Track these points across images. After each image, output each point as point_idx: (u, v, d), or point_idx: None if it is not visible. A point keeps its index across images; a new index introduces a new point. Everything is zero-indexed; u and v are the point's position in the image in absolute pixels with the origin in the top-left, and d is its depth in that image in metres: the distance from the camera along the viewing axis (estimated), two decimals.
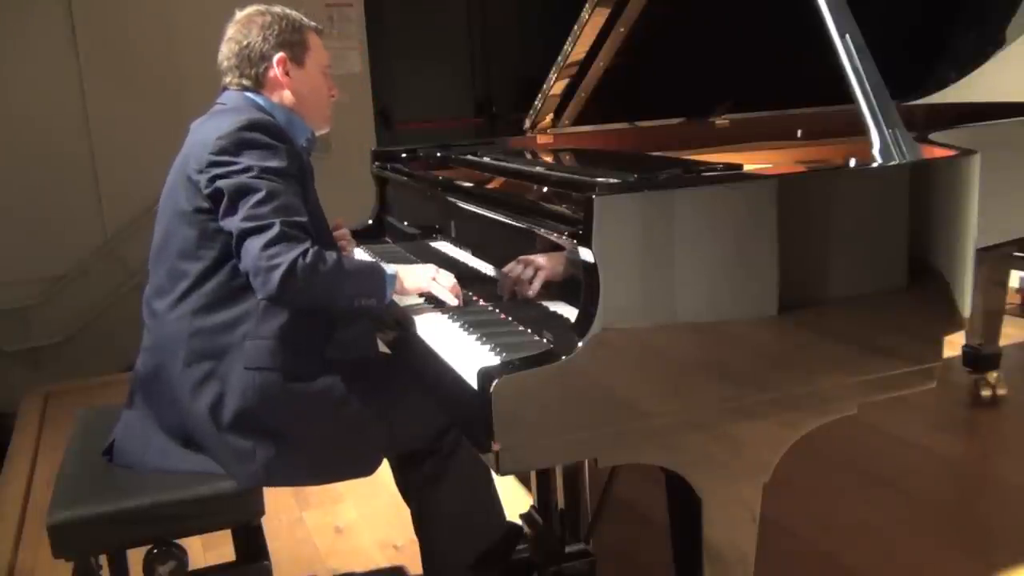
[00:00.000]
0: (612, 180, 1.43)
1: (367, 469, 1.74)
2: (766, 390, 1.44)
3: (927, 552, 2.30)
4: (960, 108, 2.80)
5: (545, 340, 1.46)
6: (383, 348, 1.87)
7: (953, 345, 2.51)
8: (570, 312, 1.43)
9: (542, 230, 1.51)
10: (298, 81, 1.76)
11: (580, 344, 1.28)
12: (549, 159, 2.27)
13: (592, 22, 2.36)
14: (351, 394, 1.66)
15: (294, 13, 1.77)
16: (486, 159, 2.16)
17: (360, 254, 2.30)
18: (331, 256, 1.55)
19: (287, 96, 1.76)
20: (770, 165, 2.00)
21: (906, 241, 1.53)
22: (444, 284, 1.72)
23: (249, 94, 1.74)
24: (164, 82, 4.70)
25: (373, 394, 1.69)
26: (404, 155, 2.51)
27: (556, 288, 1.53)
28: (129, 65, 4.78)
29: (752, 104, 2.74)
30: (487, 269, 1.81)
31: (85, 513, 1.56)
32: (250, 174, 1.55)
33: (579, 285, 1.34)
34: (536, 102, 2.60)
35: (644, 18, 2.37)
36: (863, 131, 1.61)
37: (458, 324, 1.63)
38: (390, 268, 1.67)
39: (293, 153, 1.66)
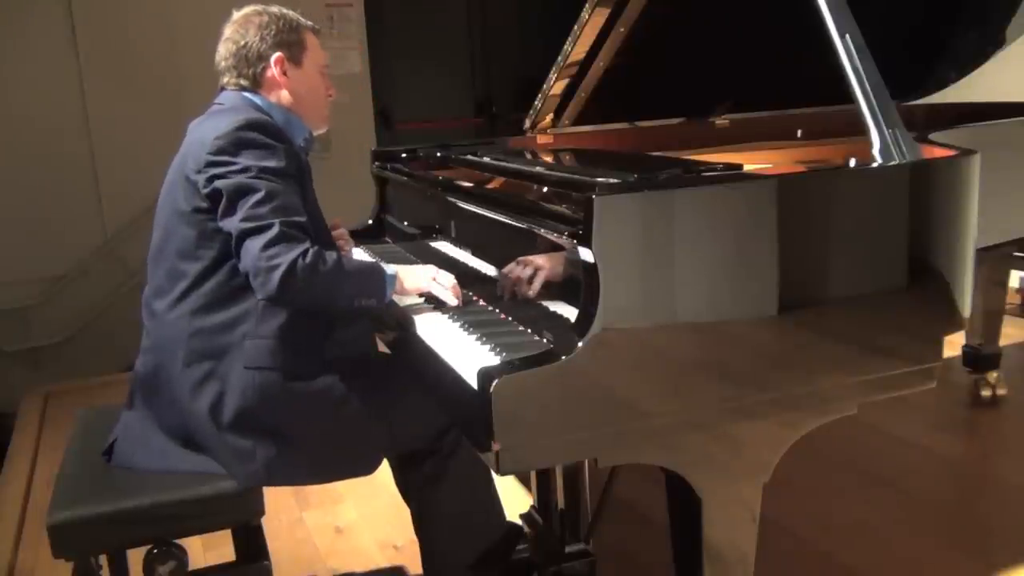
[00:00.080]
0: (612, 180, 1.43)
1: (367, 468, 1.74)
2: (766, 390, 1.44)
3: (927, 552, 2.30)
4: (960, 108, 2.80)
5: (545, 340, 1.46)
6: (383, 348, 1.87)
7: (953, 345, 2.51)
8: (570, 312, 1.43)
9: (542, 230, 1.51)
10: (296, 81, 1.76)
11: (580, 344, 1.28)
12: (549, 159, 2.27)
13: (592, 22, 2.36)
14: (351, 393, 1.66)
15: (291, 13, 1.77)
16: (486, 159, 2.16)
17: (360, 254, 2.30)
18: (331, 256, 1.55)
19: (285, 96, 1.76)
20: (770, 165, 2.00)
21: (906, 241, 1.53)
22: (444, 284, 1.72)
23: (247, 94, 1.74)
24: (164, 82, 4.70)
25: (373, 394, 1.69)
26: (404, 155, 2.51)
27: (556, 288, 1.53)
28: (129, 65, 4.78)
29: (752, 104, 2.74)
30: (487, 269, 1.81)
31: (85, 513, 1.56)
32: (248, 174, 1.55)
33: (579, 285, 1.34)
34: (536, 102, 2.60)
35: (644, 18, 2.37)
36: (863, 131, 1.61)
37: (458, 324, 1.63)
38: (390, 268, 1.67)
39: (291, 153, 1.66)
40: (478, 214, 1.77)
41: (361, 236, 2.51)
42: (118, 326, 4.39)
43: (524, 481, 2.62)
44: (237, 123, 1.60)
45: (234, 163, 1.56)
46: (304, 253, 1.51)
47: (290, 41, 1.74)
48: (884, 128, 1.59)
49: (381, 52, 5.57)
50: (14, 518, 2.81)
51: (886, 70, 1.62)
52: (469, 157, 2.25)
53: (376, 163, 2.56)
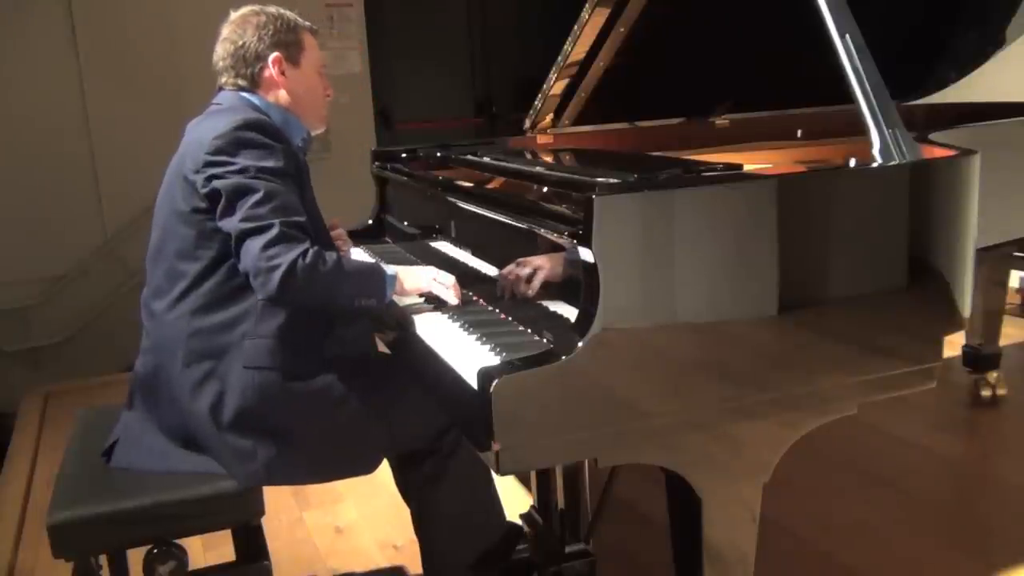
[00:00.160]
0: (612, 180, 1.43)
1: (367, 468, 1.74)
2: (766, 390, 1.44)
3: (927, 552, 2.30)
4: (960, 108, 2.80)
5: (545, 340, 1.47)
6: (383, 348, 1.87)
7: (953, 345, 2.51)
8: (570, 312, 1.43)
9: (542, 230, 1.51)
10: (294, 81, 1.76)
11: (580, 344, 1.28)
12: (549, 159, 2.27)
13: (592, 22, 2.36)
14: (351, 393, 1.66)
15: (289, 13, 1.77)
16: (486, 159, 2.16)
17: (360, 254, 2.30)
18: (331, 256, 1.55)
19: (283, 96, 1.76)
20: (770, 165, 2.00)
21: (906, 241, 1.53)
22: (444, 283, 1.72)
23: (245, 94, 1.74)
24: (164, 82, 4.70)
25: (373, 393, 1.69)
26: (404, 155, 2.51)
27: (556, 288, 1.53)
28: (129, 65, 4.78)
29: (752, 104, 2.75)
30: (487, 269, 1.81)
31: (85, 513, 1.56)
32: (247, 174, 1.55)
33: (579, 285, 1.34)
34: (536, 102, 2.60)
35: (644, 18, 2.37)
36: (863, 131, 1.61)
37: (458, 324, 1.63)
38: (390, 269, 1.67)
39: (289, 153, 1.66)
40: (478, 214, 1.77)
41: (361, 236, 2.51)
42: (118, 326, 4.39)
43: (524, 481, 2.62)
44: (235, 123, 1.60)
45: (232, 163, 1.56)
46: (304, 253, 1.51)
47: (288, 41, 1.74)
48: (884, 128, 1.59)
49: (381, 52, 5.57)
50: (14, 518, 2.81)
51: (886, 70, 1.62)
52: (469, 157, 2.25)
53: (376, 163, 2.56)
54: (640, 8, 2.34)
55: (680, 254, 1.35)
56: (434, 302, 1.77)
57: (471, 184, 1.95)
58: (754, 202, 1.41)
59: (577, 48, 2.43)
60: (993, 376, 3.19)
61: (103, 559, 1.70)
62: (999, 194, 2.01)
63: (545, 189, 1.65)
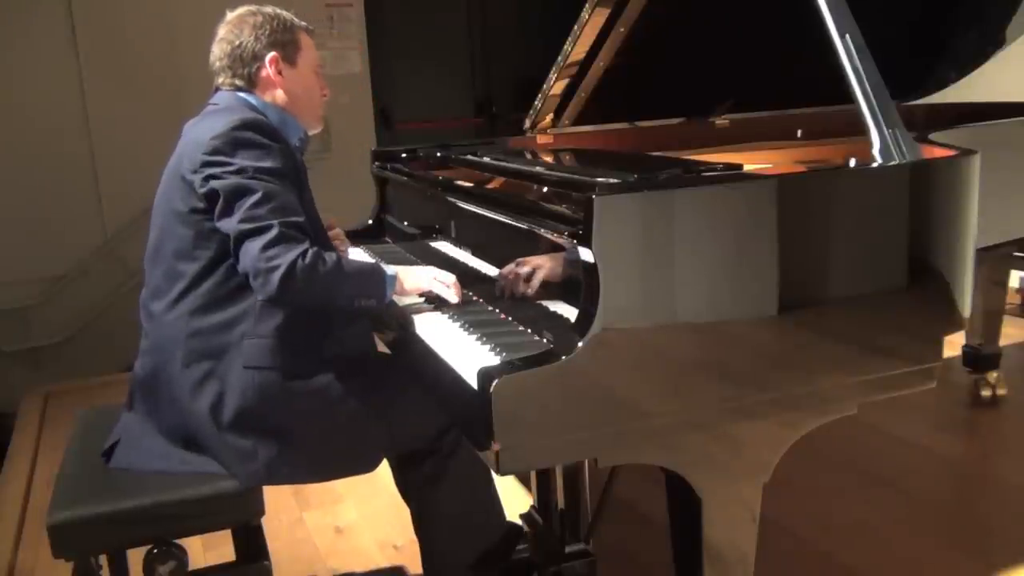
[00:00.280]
0: (612, 180, 1.43)
1: (368, 466, 1.74)
2: (766, 390, 1.44)
3: (927, 552, 2.30)
4: (960, 108, 2.80)
5: (545, 340, 1.46)
6: (383, 348, 1.87)
7: (953, 345, 2.51)
8: (570, 312, 1.43)
9: (542, 230, 1.51)
10: (291, 80, 1.76)
11: (580, 344, 1.28)
12: (549, 159, 2.27)
13: (592, 22, 2.36)
14: (350, 392, 1.66)
15: (285, 13, 1.77)
16: (486, 159, 2.16)
17: (360, 254, 2.30)
18: (330, 257, 1.55)
19: (280, 95, 1.76)
20: (770, 165, 2.00)
21: (906, 241, 1.53)
22: (445, 282, 1.72)
23: (241, 94, 1.74)
24: (164, 82, 4.70)
25: (373, 393, 1.69)
26: (404, 155, 2.51)
27: (556, 288, 1.53)
28: (129, 65, 4.78)
29: (752, 104, 2.74)
30: (487, 269, 1.81)
31: (85, 513, 1.56)
32: (245, 175, 1.55)
33: (579, 285, 1.34)
34: (536, 102, 2.60)
35: (644, 18, 2.37)
36: (863, 131, 1.61)
37: (458, 324, 1.63)
38: (390, 269, 1.67)
39: (287, 152, 1.66)
40: (478, 214, 1.77)
41: (361, 236, 2.51)
42: (118, 326, 4.39)
43: (524, 481, 2.62)
44: (232, 123, 1.60)
45: (230, 163, 1.56)
46: (303, 254, 1.51)
47: (284, 41, 1.74)
48: (884, 128, 1.59)
49: (381, 52, 5.58)
50: (14, 518, 2.81)
51: (886, 70, 1.62)
52: (469, 157, 2.25)
53: (376, 163, 2.56)
54: (640, 8, 2.34)
55: (680, 254, 1.35)
56: (434, 302, 1.77)
57: (471, 184, 1.95)
58: (754, 202, 1.41)
59: (577, 48, 2.43)
60: (993, 376, 3.19)
61: (103, 559, 1.70)
62: (999, 194, 2.01)
63: (545, 189, 1.65)
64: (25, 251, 4.59)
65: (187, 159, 1.62)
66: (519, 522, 2.08)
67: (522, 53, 5.84)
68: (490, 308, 1.72)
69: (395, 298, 1.75)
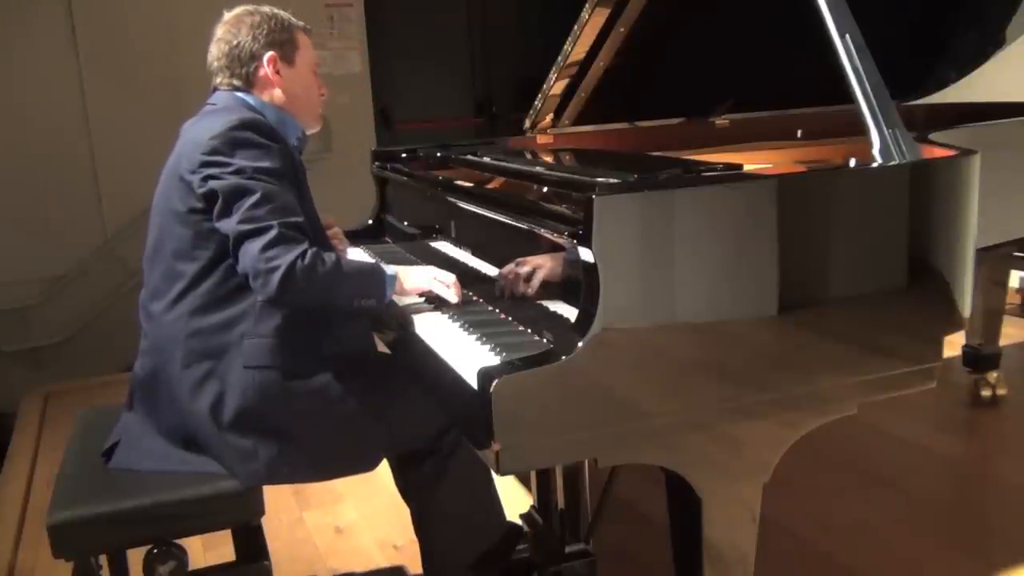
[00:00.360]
0: (612, 180, 1.43)
1: (368, 465, 1.74)
2: (766, 390, 1.44)
3: (927, 552, 2.30)
4: (960, 108, 2.80)
5: (545, 340, 1.46)
6: (383, 348, 1.87)
7: (953, 345, 2.51)
8: (570, 312, 1.43)
9: (542, 230, 1.51)
10: (288, 80, 1.76)
11: (580, 344, 1.28)
12: (549, 159, 2.27)
13: (592, 22, 2.36)
14: (351, 391, 1.66)
15: (282, 13, 1.77)
16: (486, 159, 2.16)
17: (360, 254, 2.30)
18: (330, 257, 1.55)
19: (277, 95, 1.76)
20: (770, 165, 2.00)
21: (906, 241, 1.53)
22: (445, 282, 1.72)
23: (239, 94, 1.74)
24: (164, 82, 4.70)
25: (373, 393, 1.69)
26: (404, 155, 2.51)
27: (556, 288, 1.53)
28: (129, 65, 4.78)
29: (752, 104, 2.74)
30: (487, 269, 1.81)
31: (85, 513, 1.56)
32: (244, 175, 1.55)
33: (579, 285, 1.34)
34: (536, 102, 2.60)
35: (644, 18, 2.37)
36: (863, 131, 1.61)
37: (458, 324, 1.63)
38: (390, 269, 1.67)
39: (286, 152, 1.65)
40: (478, 214, 1.77)
41: (361, 236, 2.51)
42: (118, 326, 4.39)
43: (524, 481, 2.62)
44: (231, 123, 1.60)
45: (229, 164, 1.56)
46: (303, 254, 1.51)
47: (282, 40, 1.74)
48: (884, 128, 1.59)
49: (381, 52, 5.58)
50: (14, 518, 2.81)
51: (886, 70, 1.62)
52: (469, 157, 2.25)
53: (376, 163, 2.56)
54: (640, 8, 2.34)
55: (680, 254, 1.35)
56: (434, 302, 1.77)
57: (471, 184, 1.95)
58: (754, 202, 1.41)
59: (577, 48, 2.43)
60: (993, 376, 3.19)
61: (103, 559, 1.70)
62: (999, 194, 2.00)
63: (545, 189, 1.65)
64: (25, 251, 4.59)
65: (185, 159, 1.62)
66: (519, 522, 2.08)
67: (522, 53, 5.84)
68: (490, 308, 1.72)
69: (395, 298, 1.75)
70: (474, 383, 1.29)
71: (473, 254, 1.91)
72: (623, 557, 2.28)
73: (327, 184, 4.25)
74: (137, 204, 4.54)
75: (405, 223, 2.42)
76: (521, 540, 2.01)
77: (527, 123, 2.67)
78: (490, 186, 1.95)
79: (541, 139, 2.68)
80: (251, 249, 1.51)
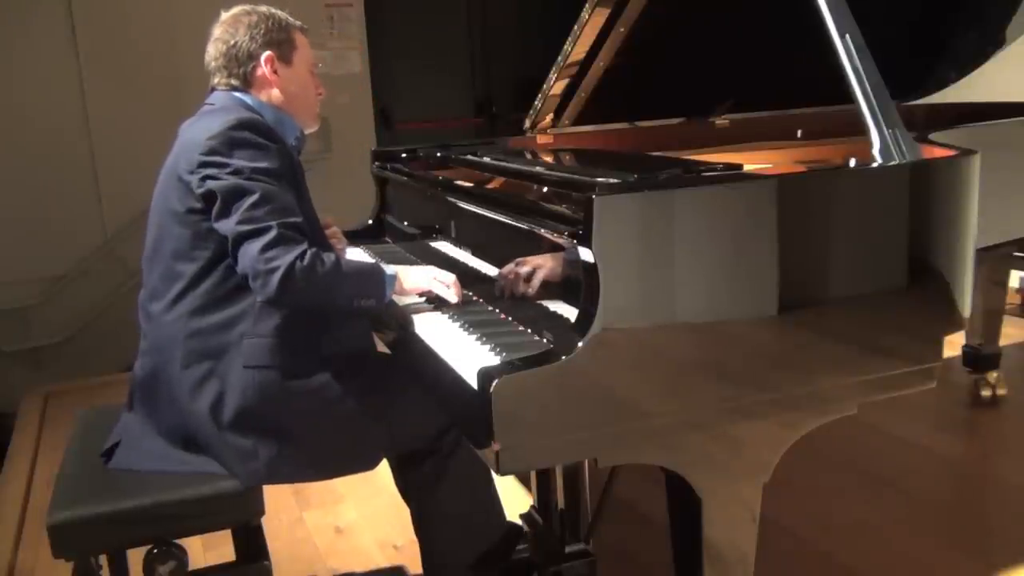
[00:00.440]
0: (612, 180, 1.43)
1: (369, 464, 1.74)
2: (766, 390, 1.44)
3: (927, 552, 2.30)
4: (960, 108, 2.80)
5: (545, 340, 1.46)
6: (383, 348, 1.87)
7: (953, 345, 2.51)
8: (570, 312, 1.43)
9: (542, 230, 1.51)
10: (286, 79, 1.76)
11: (580, 344, 1.28)
12: (549, 159, 2.27)
13: (592, 22, 2.36)
14: (350, 390, 1.66)
15: (280, 12, 1.77)
16: (486, 159, 2.16)
17: (360, 254, 2.30)
18: (329, 257, 1.55)
19: (275, 95, 1.76)
20: (770, 165, 2.00)
21: (906, 241, 1.53)
22: (444, 282, 1.72)
23: (237, 94, 1.74)
24: (164, 82, 4.70)
25: (373, 392, 1.69)
26: (404, 155, 2.51)
27: (556, 288, 1.53)
28: (129, 65, 4.78)
29: (752, 104, 2.74)
30: (487, 269, 1.81)
31: (85, 513, 1.56)
32: (242, 176, 1.55)
33: (579, 285, 1.34)
34: (536, 102, 2.60)
35: (644, 18, 2.37)
36: (863, 131, 1.61)
37: (458, 324, 1.63)
38: (390, 269, 1.67)
39: (284, 152, 1.65)
40: (478, 214, 1.77)
41: (361, 236, 2.51)
42: (118, 326, 4.39)
43: (524, 481, 2.62)
44: (229, 123, 1.60)
45: (227, 164, 1.56)
46: (302, 255, 1.51)
47: (280, 40, 1.74)
48: (884, 128, 1.59)
49: (381, 52, 5.58)
50: (14, 518, 2.81)
51: (886, 70, 1.62)
52: (469, 157, 2.25)
53: (376, 163, 2.56)
54: (640, 8, 2.34)
55: (680, 254, 1.35)
56: (434, 302, 1.77)
57: (471, 184, 1.95)
58: (754, 202, 1.41)
59: (577, 48, 2.43)
60: (993, 376, 3.19)
61: (103, 559, 1.70)
62: (999, 194, 2.00)
63: (545, 189, 1.65)
64: (25, 251, 4.59)
65: (184, 159, 1.62)
66: (519, 522, 2.08)
67: (522, 53, 5.84)
68: (490, 308, 1.72)
69: (395, 298, 1.75)
70: (474, 383, 1.29)
71: (473, 254, 1.91)
72: (623, 557, 2.28)
73: (327, 184, 4.26)
74: (137, 204, 4.52)
75: (405, 223, 2.42)
76: (521, 540, 2.01)
77: (527, 123, 2.67)
78: (490, 186, 1.95)
79: (541, 139, 2.68)
80: (250, 250, 1.51)
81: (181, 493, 1.60)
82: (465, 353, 1.46)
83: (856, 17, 1.62)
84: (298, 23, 1.80)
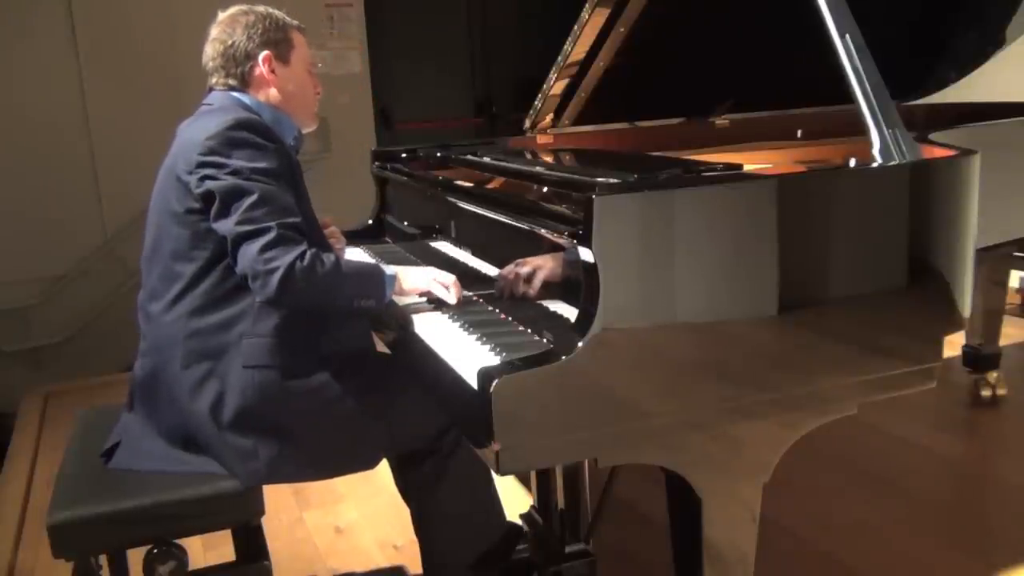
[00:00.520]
0: (612, 180, 1.43)
1: (369, 463, 1.74)
2: (766, 390, 1.44)
3: (927, 552, 2.30)
4: (960, 108, 2.80)
5: (545, 340, 1.46)
6: (383, 348, 1.87)
7: (953, 345, 2.51)
8: (570, 312, 1.43)
9: (542, 230, 1.51)
10: (284, 79, 1.76)
11: (580, 344, 1.28)
12: (549, 159, 2.27)
13: (592, 22, 2.36)
14: (349, 390, 1.66)
15: (277, 12, 1.77)
16: (486, 159, 2.16)
17: (360, 254, 2.30)
18: (329, 258, 1.55)
19: (273, 94, 1.76)
20: (770, 165, 2.00)
21: (906, 241, 1.53)
22: (444, 283, 1.72)
23: (235, 93, 1.74)
24: (164, 82, 4.70)
25: (372, 391, 1.69)
26: (404, 155, 2.51)
27: (556, 288, 1.53)
28: (129, 65, 4.78)
29: (752, 104, 2.75)
30: (487, 269, 1.81)
31: (85, 513, 1.56)
32: (241, 176, 1.55)
33: (579, 285, 1.34)
34: (536, 102, 2.60)
35: (644, 18, 2.37)
36: (863, 131, 1.61)
37: (458, 324, 1.63)
38: (389, 269, 1.67)
39: (282, 152, 1.65)
40: (478, 214, 1.77)
41: (361, 236, 2.51)
42: (118, 326, 4.39)
43: (524, 481, 2.62)
44: (227, 123, 1.59)
45: (225, 164, 1.56)
46: (302, 255, 1.51)
47: (277, 39, 1.74)
48: (884, 128, 1.59)
49: (381, 52, 5.57)
50: (14, 518, 2.81)
51: (886, 70, 1.62)
52: (469, 157, 2.25)
53: (376, 163, 2.56)
54: (640, 8, 2.34)
55: (680, 254, 1.35)
56: (435, 302, 1.77)
57: (471, 184, 1.95)
58: (754, 202, 1.41)
59: (577, 48, 2.43)
60: (993, 376, 3.19)
61: (103, 559, 1.70)
62: (999, 194, 2.00)
63: (545, 189, 1.65)
64: (25, 251, 4.59)
65: (182, 159, 1.62)
66: (519, 522, 2.08)
67: (522, 53, 5.84)
68: (490, 308, 1.72)
69: (395, 298, 1.75)
70: (474, 383, 1.29)
71: (473, 254, 1.91)
72: (623, 557, 2.28)
73: (327, 184, 4.26)
74: (137, 204, 4.49)
75: (405, 223, 2.42)
76: (521, 540, 2.01)
77: (527, 123, 2.67)
78: (490, 186, 1.95)
79: (541, 139, 2.68)
80: (250, 250, 1.51)
81: (181, 493, 1.60)
82: (465, 353, 1.46)
83: (856, 17, 1.62)
84: (295, 22, 1.80)
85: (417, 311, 1.74)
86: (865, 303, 1.51)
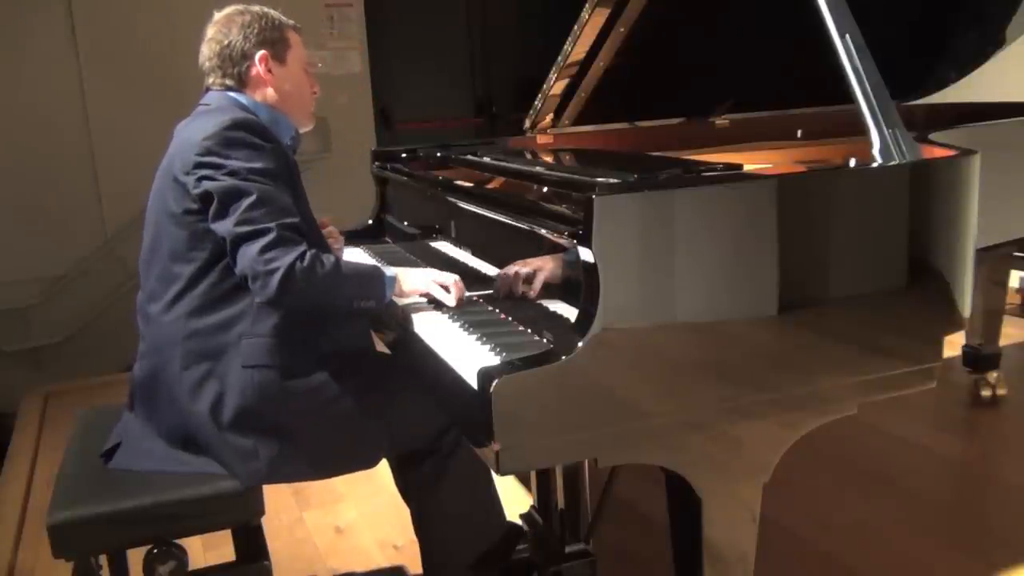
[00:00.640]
0: (612, 180, 1.43)
1: (369, 462, 1.74)
2: (766, 390, 1.44)
3: (927, 552, 2.30)
4: (960, 108, 2.80)
5: (545, 340, 1.46)
6: (383, 348, 1.87)
7: (953, 345, 2.51)
8: (570, 312, 1.43)
9: (542, 230, 1.51)
10: (281, 79, 1.76)
11: (580, 344, 1.28)
12: (549, 159, 2.27)
13: (592, 22, 2.36)
14: (349, 389, 1.66)
15: (273, 11, 1.77)
16: (486, 159, 2.16)
17: (360, 254, 2.30)
18: (329, 259, 1.55)
19: (270, 94, 1.76)
20: (770, 165, 2.00)
21: (906, 241, 1.53)
22: (445, 284, 1.72)
23: (232, 93, 1.74)
24: (164, 82, 4.70)
25: (371, 391, 1.69)
26: (404, 155, 2.51)
27: (556, 288, 1.53)
28: (129, 65, 4.78)
29: (752, 104, 2.75)
30: (487, 269, 1.81)
31: (85, 513, 1.56)
32: (239, 176, 1.55)
33: (579, 285, 1.34)
34: (536, 102, 2.60)
35: (644, 18, 2.37)
36: (863, 131, 1.61)
37: (458, 324, 1.63)
38: (389, 270, 1.67)
39: (280, 152, 1.65)
40: (478, 214, 1.77)
41: (361, 236, 2.51)
42: (118, 326, 4.38)
43: (524, 481, 2.62)
44: (224, 123, 1.59)
45: (223, 165, 1.56)
46: (301, 256, 1.51)
47: (273, 39, 1.74)
48: (884, 128, 1.59)
49: (381, 52, 5.57)
50: (14, 518, 2.81)
51: (886, 70, 1.62)
52: (469, 157, 2.25)
53: (376, 163, 2.56)
54: (640, 8, 2.34)
55: (680, 254, 1.35)
56: (435, 301, 1.77)
57: (471, 184, 1.95)
58: (754, 202, 1.41)
59: (577, 48, 2.43)
60: (993, 376, 3.19)
61: (103, 559, 1.70)
62: (999, 194, 2.01)
63: (545, 189, 1.65)
64: (25, 251, 4.60)
65: (179, 160, 1.62)
66: (519, 522, 2.08)
67: (522, 53, 5.84)
68: (490, 308, 1.72)
69: (395, 298, 1.75)
70: (474, 383, 1.29)
71: (473, 254, 1.91)
72: (623, 557, 2.28)
73: (327, 184, 4.26)
74: (137, 204, 4.47)
75: (405, 223, 2.42)
76: (521, 540, 2.01)
77: (527, 123, 2.67)
78: (490, 186, 1.95)
79: (541, 139, 2.68)
80: (249, 251, 1.51)
81: (181, 493, 1.60)
82: (465, 353, 1.46)
83: (856, 17, 1.62)
84: (291, 22, 1.80)
85: (417, 311, 1.74)
86: (865, 303, 1.51)
